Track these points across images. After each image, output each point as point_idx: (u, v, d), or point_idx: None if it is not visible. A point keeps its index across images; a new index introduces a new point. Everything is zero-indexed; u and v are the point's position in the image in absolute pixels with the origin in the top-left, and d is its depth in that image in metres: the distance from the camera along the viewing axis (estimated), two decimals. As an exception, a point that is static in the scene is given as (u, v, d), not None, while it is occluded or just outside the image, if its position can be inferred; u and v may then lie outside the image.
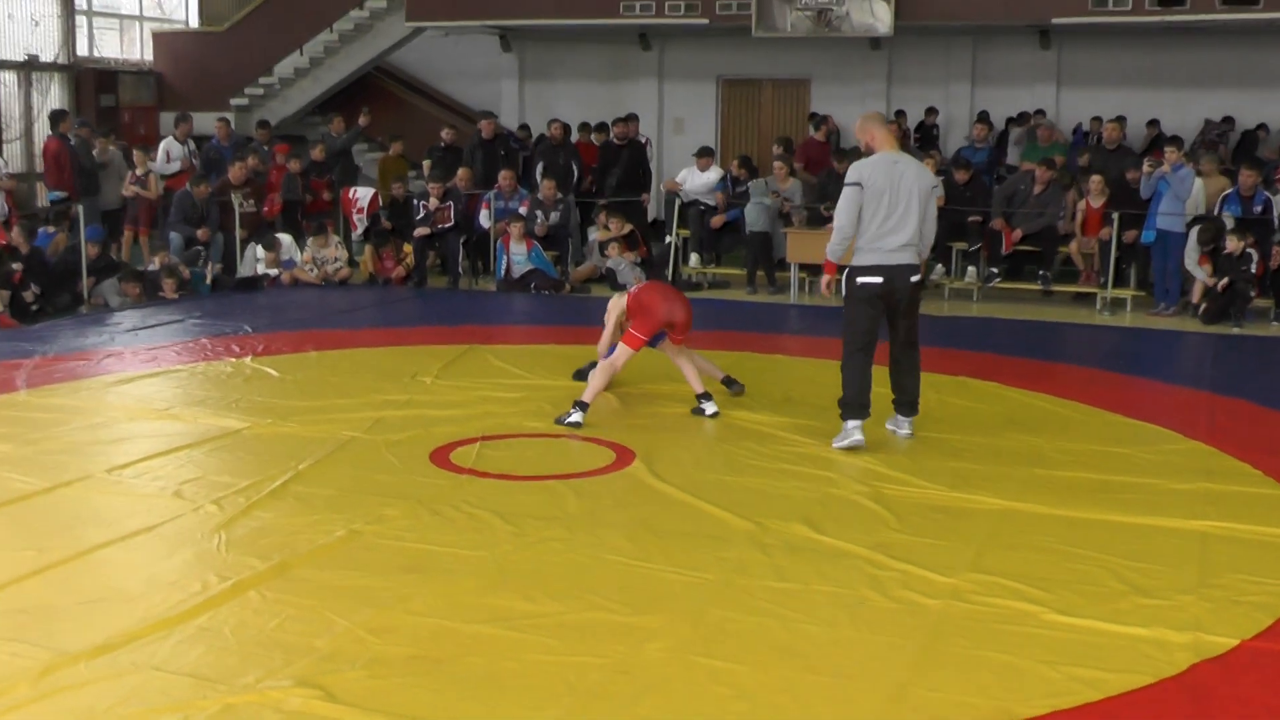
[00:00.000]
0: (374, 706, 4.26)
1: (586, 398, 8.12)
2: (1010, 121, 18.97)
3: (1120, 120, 16.51)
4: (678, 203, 15.56)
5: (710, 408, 8.31)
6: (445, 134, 17.32)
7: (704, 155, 15.98)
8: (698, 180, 15.82)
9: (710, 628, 4.94)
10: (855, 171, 7.64)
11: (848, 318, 7.73)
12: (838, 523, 6.24)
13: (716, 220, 15.38)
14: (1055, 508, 6.51)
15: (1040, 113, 18.75)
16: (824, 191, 14.85)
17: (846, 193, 7.57)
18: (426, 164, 17.17)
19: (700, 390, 8.39)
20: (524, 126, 19.10)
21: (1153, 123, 18.61)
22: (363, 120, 17.59)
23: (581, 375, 9.07)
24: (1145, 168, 13.70)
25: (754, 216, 14.85)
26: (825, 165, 15.96)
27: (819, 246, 13.95)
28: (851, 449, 7.57)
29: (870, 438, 7.80)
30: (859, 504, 6.59)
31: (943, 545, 5.92)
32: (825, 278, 7.85)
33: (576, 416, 8.05)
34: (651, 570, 5.54)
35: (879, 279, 7.62)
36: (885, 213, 7.54)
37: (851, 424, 7.66)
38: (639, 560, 5.66)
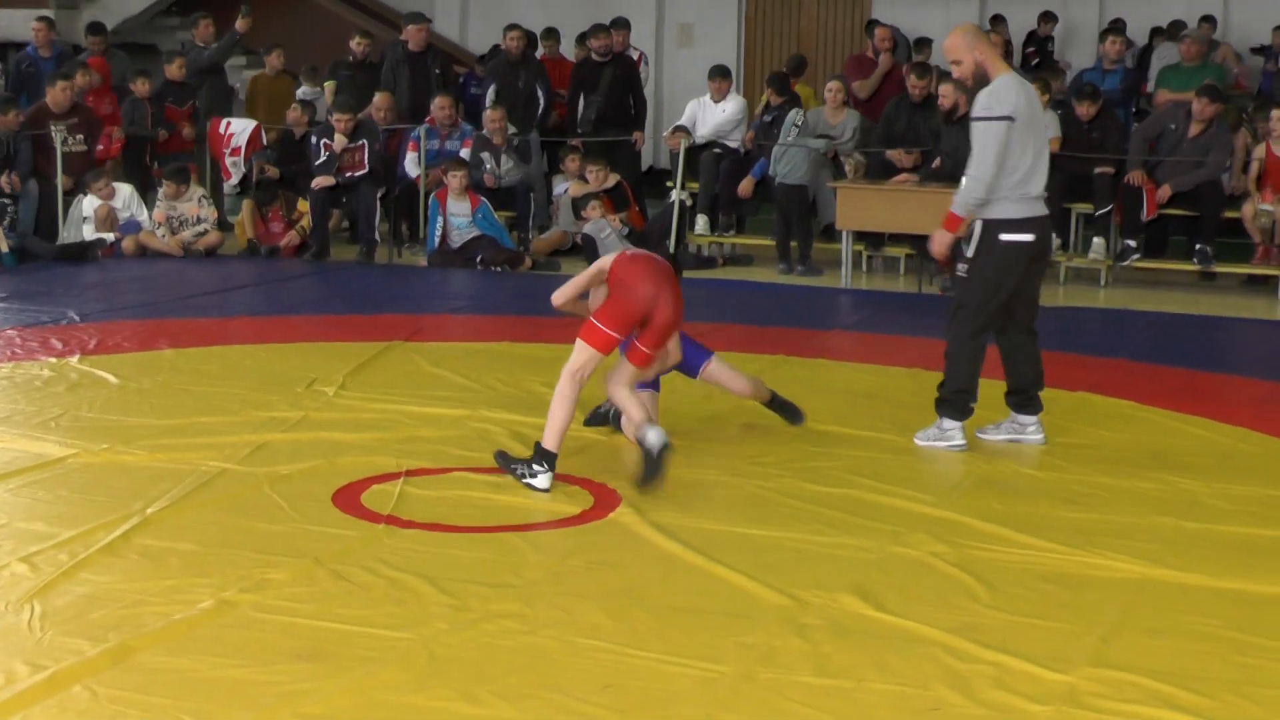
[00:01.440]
0: None
1: (549, 444, 7.60)
2: (1156, 34, 19.01)
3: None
4: (684, 145, 15.59)
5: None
6: (356, 44, 17.34)
7: (719, 78, 16.00)
8: (712, 115, 15.86)
9: (726, 742, 4.94)
10: (1000, 100, 7.97)
11: (976, 287, 8.12)
12: (905, 595, 6.24)
13: (745, 186, 15.36)
14: (1216, 578, 6.51)
15: (1207, 20, 18.77)
16: (889, 130, 14.86)
17: (994, 129, 7.93)
18: (329, 87, 17.20)
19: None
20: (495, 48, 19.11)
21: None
22: (240, 25, 17.59)
23: (598, 420, 8.68)
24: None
25: (788, 163, 14.85)
26: (892, 92, 15.98)
27: (881, 209, 14.29)
28: (951, 450, 8.06)
29: (949, 474, 7.84)
30: (934, 569, 6.59)
31: (1054, 628, 5.92)
32: (942, 236, 8.18)
33: (541, 479, 7.55)
34: (644, 661, 5.54)
35: (1031, 236, 8.12)
36: (1034, 151, 8.03)
37: (951, 424, 8.06)
38: (626, 646, 5.65)
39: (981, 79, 8.10)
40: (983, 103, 8.04)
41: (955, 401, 8.16)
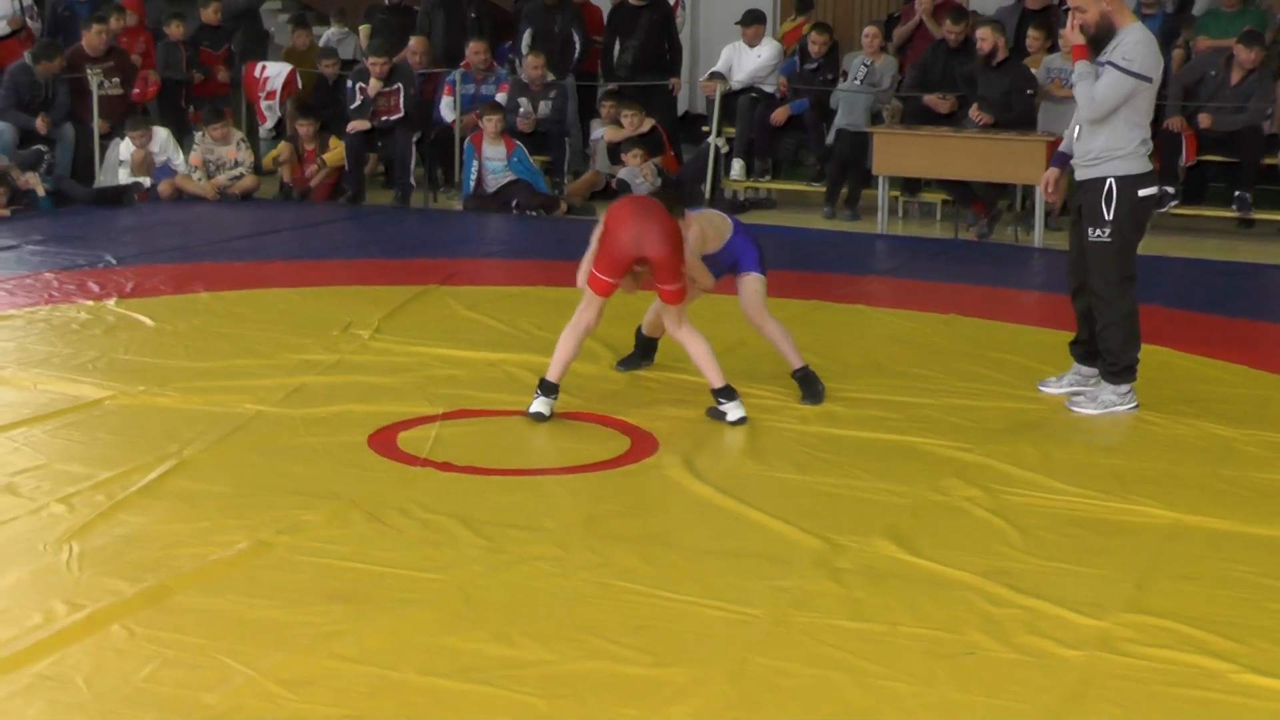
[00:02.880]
0: (286, 787, 4.31)
1: (552, 375, 7.96)
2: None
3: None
4: (719, 90, 15.55)
5: (734, 412, 7.92)
6: None
7: (752, 24, 15.93)
8: (747, 61, 15.81)
9: (757, 683, 4.95)
10: (1145, 58, 7.97)
11: (1121, 249, 8.15)
12: (939, 540, 6.25)
13: (779, 114, 15.36)
14: (1249, 524, 6.51)
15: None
16: (926, 75, 14.79)
17: (1129, 83, 7.93)
18: (364, 31, 17.19)
19: (719, 384, 7.99)
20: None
21: None
22: None
23: (629, 364, 8.86)
24: None
25: (848, 108, 14.82)
26: (930, 38, 15.91)
27: (918, 154, 14.26)
28: (1130, 411, 8.17)
29: (984, 420, 7.86)
30: (970, 514, 6.60)
31: (1088, 574, 5.93)
32: (1053, 173, 8.36)
33: (539, 405, 7.89)
34: (677, 603, 5.56)
35: (1156, 188, 8.33)
36: (1152, 109, 8.24)
37: (1127, 386, 8.21)
38: (659, 589, 5.67)
39: (1107, 30, 8.01)
40: (1129, 53, 7.93)
41: (1134, 367, 8.22)
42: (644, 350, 8.81)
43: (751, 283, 8.39)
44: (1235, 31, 14.59)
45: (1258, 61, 13.96)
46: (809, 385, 8.31)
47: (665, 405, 8.07)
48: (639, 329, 8.77)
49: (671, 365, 8.72)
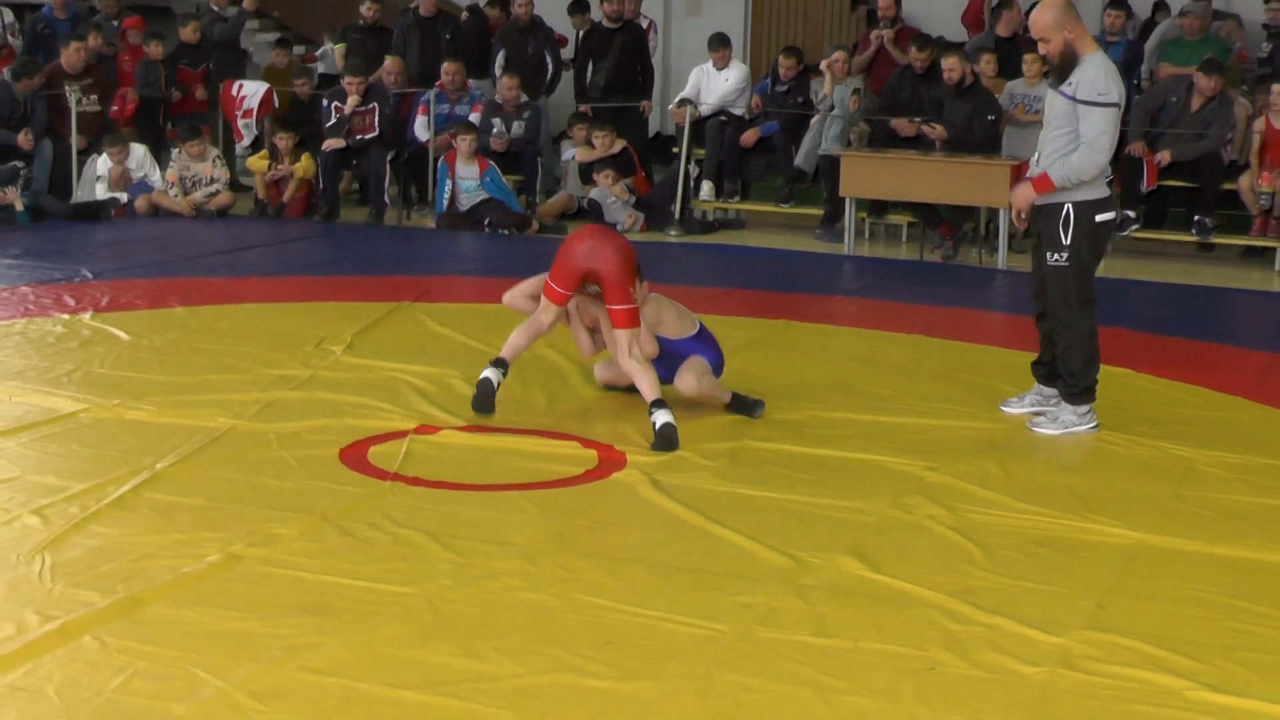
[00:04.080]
0: (254, 798, 4.28)
1: (505, 354, 8.21)
2: (1159, 8, 18.95)
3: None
4: (690, 113, 15.56)
5: (661, 417, 7.76)
6: (366, 9, 17.26)
7: (720, 47, 15.92)
8: (716, 84, 15.81)
9: (722, 699, 4.94)
10: (1112, 86, 7.98)
11: (1079, 273, 8.16)
12: (902, 558, 6.26)
13: (749, 136, 15.38)
14: (1211, 544, 6.52)
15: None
16: (893, 100, 14.83)
17: (1110, 115, 7.96)
18: (338, 50, 17.18)
19: (652, 398, 7.88)
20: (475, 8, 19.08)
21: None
22: (248, 3, 17.58)
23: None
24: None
25: (834, 135, 14.85)
26: (893, 63, 15.94)
27: (885, 177, 14.27)
28: (1089, 432, 8.19)
29: (948, 440, 7.87)
30: (933, 533, 6.60)
31: (1049, 592, 5.94)
32: (1028, 192, 8.19)
33: (487, 372, 8.12)
34: (644, 618, 5.55)
35: (1114, 212, 8.44)
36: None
37: (1087, 407, 8.23)
38: (626, 604, 5.67)
39: (1070, 58, 8.01)
40: (1097, 87, 7.94)
41: (1093, 388, 8.23)
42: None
43: (696, 363, 8.28)
44: (1197, 59, 14.68)
45: (1217, 89, 14.04)
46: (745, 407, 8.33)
47: (633, 423, 8.05)
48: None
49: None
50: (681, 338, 8.35)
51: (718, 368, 8.40)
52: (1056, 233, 8.08)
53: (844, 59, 15.33)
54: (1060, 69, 8.05)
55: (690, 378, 8.21)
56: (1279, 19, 17.64)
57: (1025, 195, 8.16)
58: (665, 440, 7.64)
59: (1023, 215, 8.33)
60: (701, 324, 8.47)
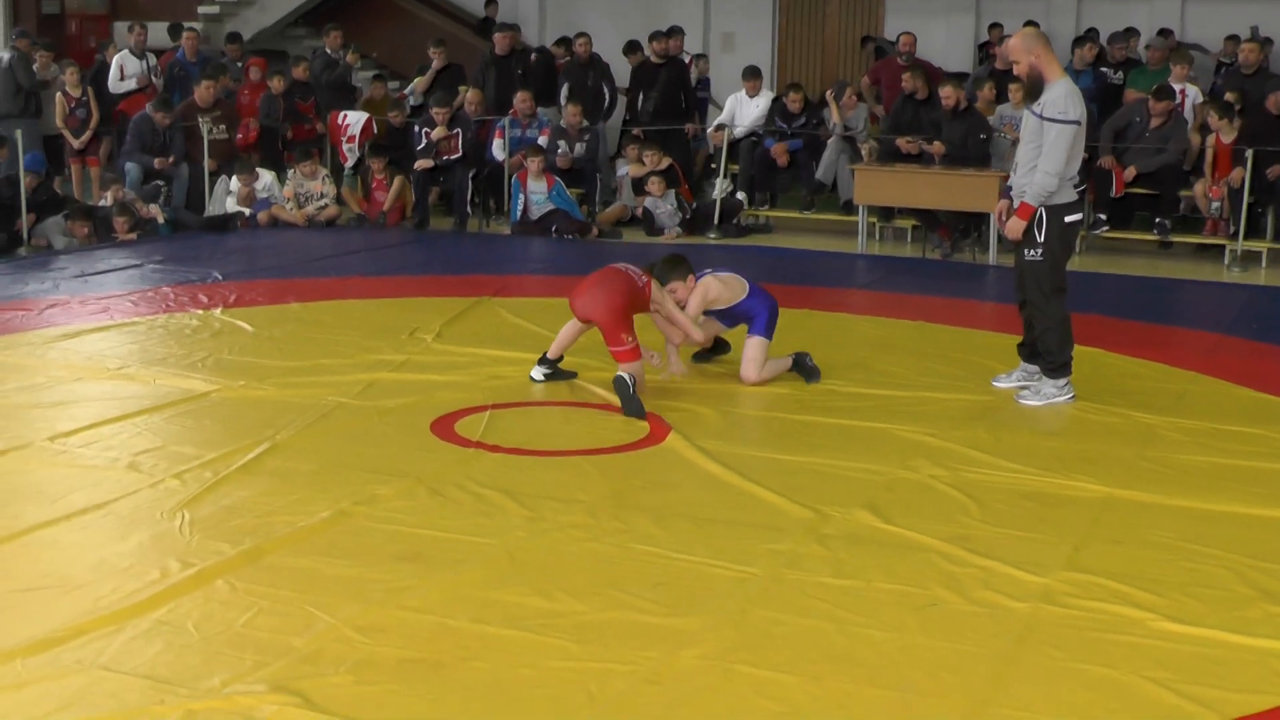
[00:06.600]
0: (360, 716, 4.29)
1: (551, 353, 8.38)
2: (1113, 40, 18.80)
3: (1262, 41, 16.33)
4: (726, 135, 15.54)
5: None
6: (433, 53, 17.18)
7: (752, 78, 15.94)
8: (747, 109, 15.78)
9: (756, 631, 4.95)
10: (1073, 106, 7.92)
11: (1052, 266, 8.12)
12: (909, 511, 6.24)
13: (779, 149, 15.30)
14: (1169, 496, 6.49)
15: (1164, 33, 18.56)
16: (897, 121, 14.78)
17: (1068, 131, 7.88)
18: (419, 83, 17.15)
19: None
20: (543, 49, 19.05)
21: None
22: (350, 58, 17.60)
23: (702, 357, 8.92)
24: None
25: (849, 154, 14.92)
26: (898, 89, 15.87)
27: (892, 186, 14.24)
28: (1068, 402, 8.12)
29: (947, 410, 7.84)
30: (935, 489, 6.58)
31: (1033, 538, 5.92)
32: (1018, 224, 8.09)
33: (535, 371, 8.36)
34: (688, 563, 5.56)
35: (1081, 214, 8.41)
36: (1082, 147, 8.13)
37: (1064, 380, 8.17)
38: (674, 551, 5.67)
39: (1037, 79, 7.99)
40: (1059, 106, 7.89)
41: (1069, 364, 8.17)
42: (715, 347, 8.94)
43: (752, 346, 8.39)
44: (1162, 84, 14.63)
45: (1168, 111, 13.99)
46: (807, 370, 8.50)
47: (678, 399, 8.04)
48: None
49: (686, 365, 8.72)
50: (735, 302, 8.43)
51: (771, 322, 8.43)
52: (1033, 232, 8.07)
53: (853, 93, 15.39)
54: (1029, 89, 8.06)
55: (750, 371, 8.35)
56: (1230, 53, 17.54)
57: (1016, 228, 8.11)
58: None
59: (1002, 216, 8.30)
60: (751, 284, 8.51)
